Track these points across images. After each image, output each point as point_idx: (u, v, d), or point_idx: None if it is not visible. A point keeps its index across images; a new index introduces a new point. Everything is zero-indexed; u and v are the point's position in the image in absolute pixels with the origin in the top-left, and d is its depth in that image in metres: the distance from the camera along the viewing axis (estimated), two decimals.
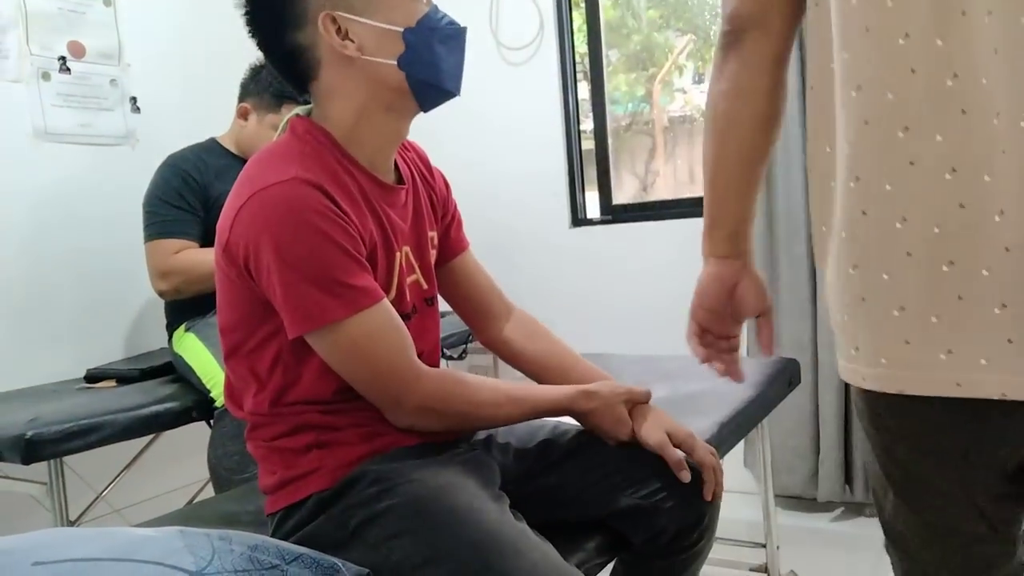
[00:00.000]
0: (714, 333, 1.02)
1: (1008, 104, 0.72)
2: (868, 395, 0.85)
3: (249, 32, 1.05)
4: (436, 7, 1.05)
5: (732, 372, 1.05)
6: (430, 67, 1.03)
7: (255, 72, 2.13)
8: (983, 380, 0.76)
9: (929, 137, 0.75)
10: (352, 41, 1.00)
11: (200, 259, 1.99)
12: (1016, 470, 0.81)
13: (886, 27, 0.76)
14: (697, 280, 1.01)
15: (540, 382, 1.28)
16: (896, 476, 0.89)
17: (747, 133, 0.92)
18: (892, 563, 0.96)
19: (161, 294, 2.06)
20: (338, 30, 0.99)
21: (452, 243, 1.25)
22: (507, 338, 1.29)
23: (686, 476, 1.12)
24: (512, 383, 1.12)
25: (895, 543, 0.93)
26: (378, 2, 1.01)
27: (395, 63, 1.01)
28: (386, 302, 1.00)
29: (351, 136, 1.04)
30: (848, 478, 2.41)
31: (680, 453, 1.13)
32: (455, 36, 1.06)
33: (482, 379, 1.09)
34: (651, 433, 1.14)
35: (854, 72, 0.80)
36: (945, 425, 0.81)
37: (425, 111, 1.08)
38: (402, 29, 1.01)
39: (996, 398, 0.75)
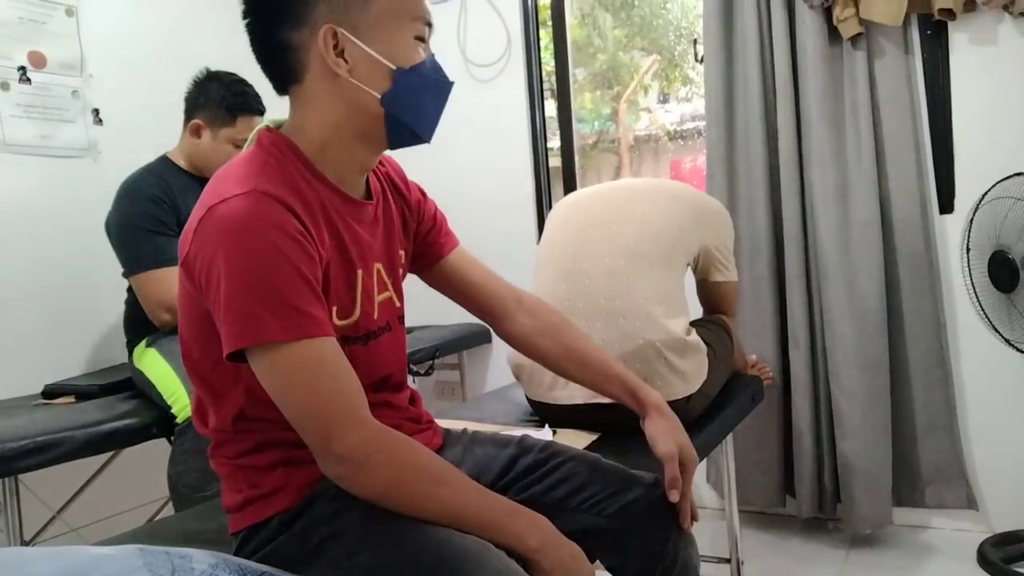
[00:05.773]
0: None
1: None
2: None
3: (244, 19, 1.02)
4: (434, 57, 1.06)
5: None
6: (410, 111, 1.04)
7: (201, 86, 2.06)
8: None
9: None
10: (346, 61, 0.99)
11: None
12: None
13: None
14: None
15: (560, 374, 1.32)
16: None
17: None
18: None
19: (164, 326, 1.97)
20: (335, 46, 0.99)
21: (439, 245, 1.25)
22: (519, 332, 1.30)
23: (675, 496, 1.13)
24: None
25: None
26: (380, 34, 1.01)
27: (378, 96, 1.01)
28: (335, 341, 0.95)
29: (321, 152, 1.03)
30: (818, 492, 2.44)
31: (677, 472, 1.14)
32: (442, 89, 1.07)
33: (439, 458, 0.98)
34: (663, 443, 1.16)
35: None
36: None
37: (391, 148, 1.09)
38: (394, 68, 1.01)
39: None
